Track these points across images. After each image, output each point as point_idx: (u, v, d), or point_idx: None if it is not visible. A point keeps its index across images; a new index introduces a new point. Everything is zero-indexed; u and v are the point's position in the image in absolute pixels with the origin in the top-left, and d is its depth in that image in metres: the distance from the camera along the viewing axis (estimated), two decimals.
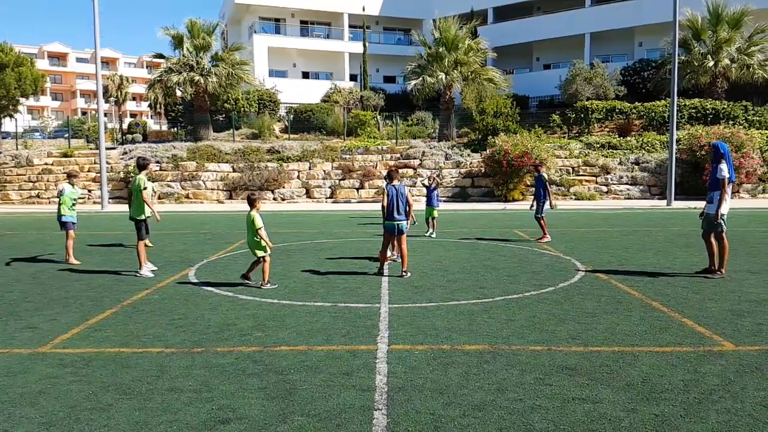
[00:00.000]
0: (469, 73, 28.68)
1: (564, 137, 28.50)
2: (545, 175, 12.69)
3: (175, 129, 34.18)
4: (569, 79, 32.36)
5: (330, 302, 7.04)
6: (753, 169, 23.36)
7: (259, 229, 7.95)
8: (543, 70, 41.55)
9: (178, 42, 28.78)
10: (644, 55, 35.92)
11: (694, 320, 6.00)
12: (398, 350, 5.22)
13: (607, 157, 25.87)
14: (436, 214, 13.64)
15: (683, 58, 28.24)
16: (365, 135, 29.81)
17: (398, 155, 26.87)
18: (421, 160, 26.55)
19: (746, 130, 25.15)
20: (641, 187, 25.09)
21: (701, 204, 21.99)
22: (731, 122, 26.49)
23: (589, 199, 24.48)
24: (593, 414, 3.84)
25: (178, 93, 30.03)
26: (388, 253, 9.37)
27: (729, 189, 8.13)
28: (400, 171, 26.15)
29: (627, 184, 25.28)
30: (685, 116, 27.24)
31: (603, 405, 3.98)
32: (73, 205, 10.37)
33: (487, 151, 25.03)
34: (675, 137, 22.54)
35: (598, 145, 26.56)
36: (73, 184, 10.62)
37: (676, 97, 22.57)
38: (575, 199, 24.76)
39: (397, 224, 8.57)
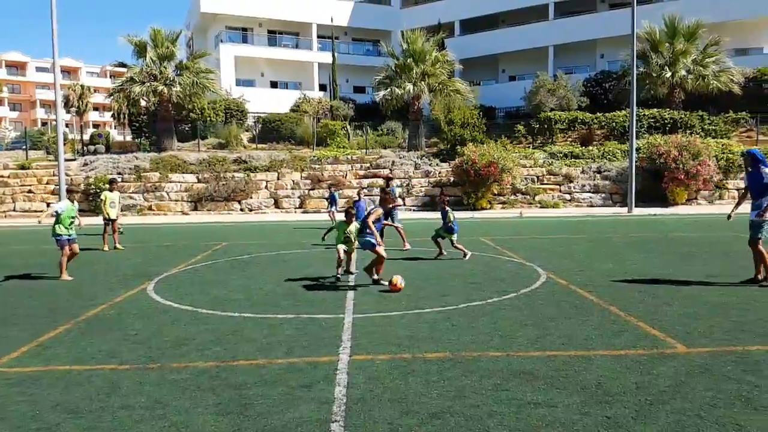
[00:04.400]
0: (437, 85, 29.02)
1: (529, 147, 29.00)
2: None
3: (139, 139, 33.56)
4: (533, 90, 33.00)
5: (293, 314, 6.96)
6: (709, 176, 24.12)
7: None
8: (509, 82, 42.27)
9: (141, 50, 28.35)
10: (606, 67, 36.87)
11: (650, 324, 6.13)
12: (360, 361, 5.18)
13: (570, 166, 26.39)
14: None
15: (642, 69, 29.09)
16: (335, 145, 29.80)
17: (368, 165, 26.91)
18: (390, 169, 26.64)
19: (702, 138, 26.00)
20: (603, 195, 25.66)
21: (661, 210, 22.69)
22: (688, 131, 27.33)
23: (553, 207, 24.91)
24: (548, 418, 3.88)
25: (143, 103, 29.54)
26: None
27: None
28: (370, 181, 26.22)
29: (589, 192, 25.81)
30: (644, 126, 28.01)
31: (558, 409, 4.02)
32: (71, 222, 9.84)
33: (456, 160, 25.29)
34: (635, 146, 23.16)
35: (561, 155, 27.09)
36: (72, 200, 10.36)
37: (635, 108, 23.20)
38: (540, 207, 25.17)
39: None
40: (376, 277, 8.62)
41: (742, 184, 25.64)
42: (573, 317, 6.49)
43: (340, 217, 10.52)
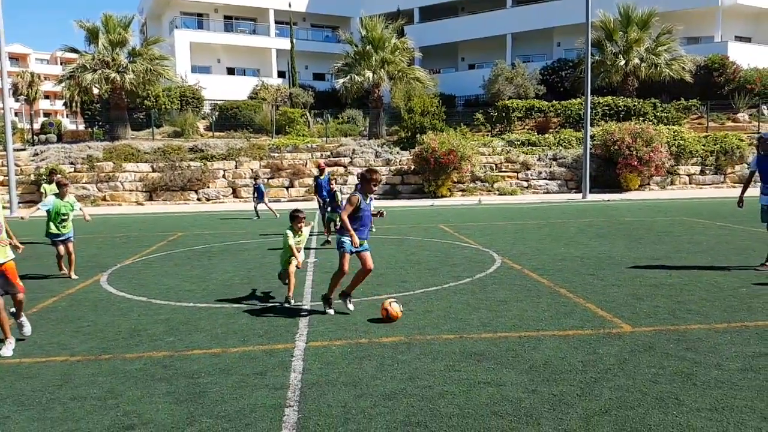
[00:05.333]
0: (397, 72, 29.00)
1: (488, 135, 29.34)
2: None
3: (92, 128, 32.48)
4: (492, 78, 33.33)
5: (249, 303, 6.94)
6: (662, 162, 24.91)
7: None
8: (468, 70, 42.54)
9: (93, 36, 27.36)
10: (562, 55, 37.47)
11: (597, 305, 6.36)
12: (316, 347, 5.22)
13: (527, 153, 26.85)
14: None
15: (597, 57, 29.72)
16: (294, 133, 29.50)
17: (329, 153, 26.78)
18: (351, 158, 26.58)
19: (655, 125, 26.79)
20: (559, 182, 26.24)
21: (615, 196, 23.32)
22: (641, 118, 28.13)
23: (511, 194, 25.33)
24: (496, 396, 4.01)
25: (95, 90, 28.55)
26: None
27: None
28: (331, 169, 26.11)
29: (546, 179, 26.35)
30: (599, 113, 28.69)
31: (506, 387, 4.16)
32: (63, 220, 8.75)
33: (416, 148, 25.40)
34: (589, 133, 23.71)
35: (519, 143, 27.53)
36: (62, 195, 8.77)
37: (590, 95, 23.73)
38: (498, 194, 25.56)
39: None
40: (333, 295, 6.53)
41: (692, 170, 26.80)
42: (525, 300, 6.68)
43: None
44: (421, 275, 8.34)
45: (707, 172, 26.51)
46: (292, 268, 6.89)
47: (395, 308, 5.91)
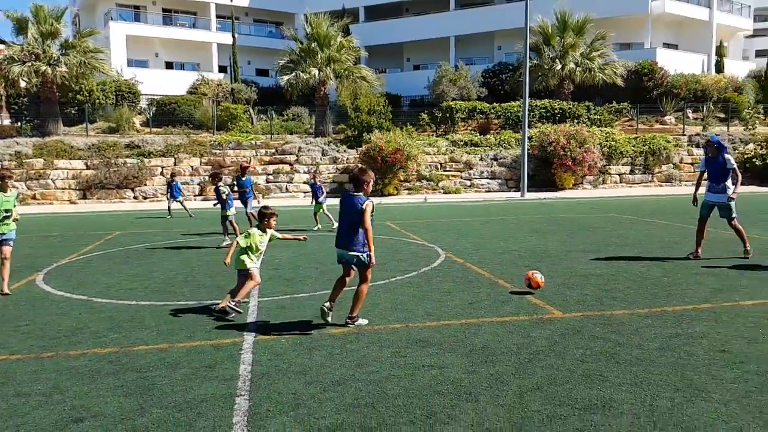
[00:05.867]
0: (343, 71, 29.05)
1: (433, 135, 29.89)
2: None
3: (20, 123, 30.87)
4: (436, 80, 33.94)
5: (195, 300, 6.93)
6: (594, 162, 26.12)
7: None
8: (413, 71, 43.10)
9: (21, 27, 26.01)
10: (503, 59, 38.59)
11: (532, 294, 6.75)
12: (265, 340, 5.32)
13: (470, 153, 27.56)
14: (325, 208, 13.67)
15: (535, 62, 30.81)
16: (237, 129, 29.05)
17: (273, 151, 26.56)
18: (297, 155, 26.47)
19: (588, 127, 28.06)
20: (500, 181, 27.08)
21: (551, 194, 24.27)
22: (576, 121, 29.38)
23: (455, 193, 25.94)
24: (439, 378, 4.27)
25: (22, 84, 27.15)
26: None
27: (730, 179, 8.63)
28: (277, 167, 25.95)
29: (487, 178, 27.13)
30: (536, 116, 29.75)
31: (448, 369, 4.43)
32: (5, 217, 7.53)
33: (363, 147, 25.58)
34: (527, 135, 24.59)
35: (462, 143, 28.20)
36: (3, 189, 7.54)
37: (528, 98, 24.61)
38: (443, 192, 26.12)
39: (339, 252, 5.60)
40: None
41: (623, 170, 28.25)
42: (466, 291, 6.99)
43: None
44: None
45: (636, 171, 27.98)
46: (255, 272, 6.27)
47: (538, 278, 6.75)
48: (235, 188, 12.83)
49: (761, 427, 3.43)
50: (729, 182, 8.65)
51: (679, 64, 35.66)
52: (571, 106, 30.33)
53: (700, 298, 6.47)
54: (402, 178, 25.72)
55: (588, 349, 4.86)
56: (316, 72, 28.18)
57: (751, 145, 28.42)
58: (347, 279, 5.73)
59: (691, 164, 28.32)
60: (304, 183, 25.70)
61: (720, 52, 39.67)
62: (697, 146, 28.55)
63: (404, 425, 3.56)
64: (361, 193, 5.43)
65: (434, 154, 27.32)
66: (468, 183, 26.94)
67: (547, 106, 30.28)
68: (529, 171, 24.94)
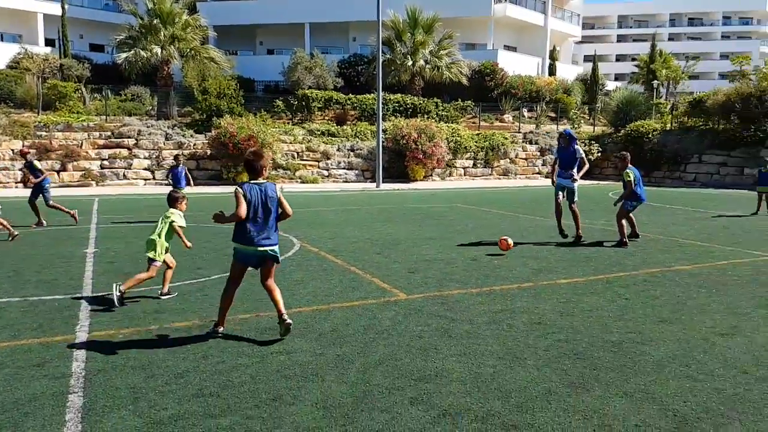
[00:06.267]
0: (189, 50, 27.59)
1: (289, 123, 29.61)
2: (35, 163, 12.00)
3: None
4: (292, 66, 33.60)
5: (19, 297, 6.28)
6: (442, 156, 27.76)
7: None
8: (267, 55, 42.20)
9: None
10: (358, 50, 39.27)
11: (381, 279, 7.12)
12: (100, 336, 5.02)
13: (327, 143, 27.78)
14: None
15: (388, 56, 31.83)
16: (67, 110, 26.24)
17: (109, 134, 24.46)
18: (137, 139, 24.65)
19: (437, 123, 29.70)
20: (356, 172, 27.68)
21: (404, 186, 25.35)
22: (426, 116, 30.93)
23: (312, 183, 26.03)
24: (287, 362, 4.38)
25: None
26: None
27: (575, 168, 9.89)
28: (113, 151, 23.98)
29: (344, 168, 27.60)
30: (390, 109, 30.81)
31: (296, 354, 4.55)
32: None
33: (213, 132, 24.57)
34: (381, 127, 25.43)
35: (319, 132, 28.32)
36: None
37: (381, 92, 25.41)
38: (301, 182, 26.06)
39: (261, 250, 4.87)
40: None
41: (467, 163, 30.37)
42: (319, 279, 7.16)
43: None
44: (218, 261, 8.33)
45: (478, 165, 30.24)
46: (170, 258, 6.35)
47: (511, 242, 8.72)
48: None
49: (565, 386, 4.02)
50: (575, 170, 10.00)
51: (517, 65, 39.03)
52: (421, 102, 31.82)
53: (524, 277, 7.29)
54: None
55: (426, 326, 5.27)
56: (159, 50, 26.45)
57: None
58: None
59: (526, 159, 31.27)
60: (145, 169, 24.15)
61: (553, 56, 44.13)
62: (531, 143, 31.59)
63: (249, 409, 3.62)
64: (264, 180, 4.90)
65: (291, 143, 27.11)
66: (325, 173, 27.16)
67: (400, 101, 31.46)
68: (384, 163, 25.82)
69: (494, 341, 4.90)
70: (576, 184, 10.00)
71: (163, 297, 6.27)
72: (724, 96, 27.03)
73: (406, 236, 10.63)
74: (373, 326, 5.25)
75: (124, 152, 24.05)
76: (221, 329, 4.99)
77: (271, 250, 4.88)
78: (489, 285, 6.86)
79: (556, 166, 10.29)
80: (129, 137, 24.57)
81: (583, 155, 10.01)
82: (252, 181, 4.85)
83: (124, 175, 23.82)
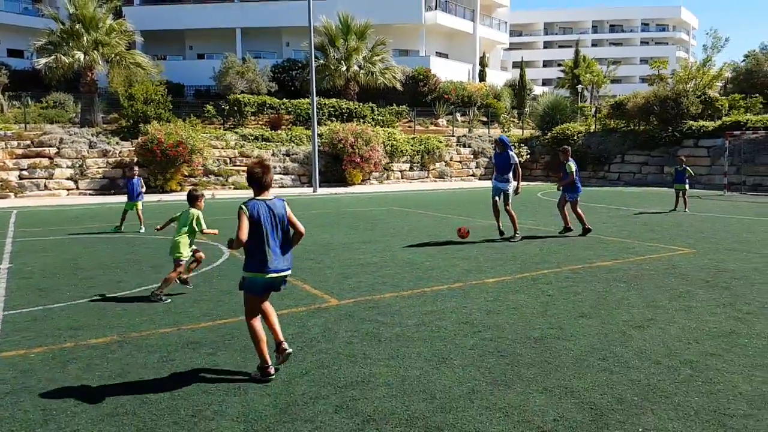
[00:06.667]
0: (114, 56, 26.52)
1: (221, 128, 28.94)
2: None
3: None
4: (223, 71, 32.89)
5: None
6: (379, 160, 27.90)
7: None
8: (197, 60, 41.12)
9: None
10: (292, 55, 38.92)
11: (312, 285, 7.04)
12: (10, 357, 4.70)
13: (261, 149, 27.33)
14: (139, 205, 12.64)
15: (322, 61, 31.72)
16: None
17: (29, 143, 23.11)
18: (58, 148, 23.41)
19: (373, 127, 29.84)
20: (293, 177, 27.38)
21: (341, 190, 25.28)
22: (362, 120, 31.01)
23: (246, 189, 25.51)
24: (208, 377, 4.24)
25: None
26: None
27: (510, 172, 10.38)
28: (32, 161, 22.67)
29: (280, 173, 27.23)
30: (326, 114, 30.70)
31: (219, 367, 4.43)
32: None
33: (139, 139, 23.67)
34: (317, 132, 25.27)
35: (252, 137, 27.83)
36: None
37: (316, 97, 25.26)
38: (234, 188, 25.51)
39: (276, 277, 4.33)
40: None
41: (403, 167, 30.62)
42: None
43: None
44: (140, 273, 8.01)
45: (415, 168, 30.58)
46: (199, 253, 6.98)
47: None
48: None
49: (488, 384, 4.09)
50: (511, 174, 10.43)
51: (449, 71, 39.82)
52: (357, 107, 31.89)
53: (454, 278, 7.41)
54: (186, 173, 24.49)
55: (356, 331, 5.24)
56: (81, 56, 25.30)
57: None
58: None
59: (460, 162, 31.89)
60: (68, 179, 23.02)
61: (483, 63, 45.28)
62: (465, 146, 32.26)
63: (167, 427, 3.47)
64: (272, 197, 4.30)
65: (223, 149, 26.50)
66: None
67: (335, 105, 31.40)
68: (321, 167, 25.66)
69: (422, 343, 4.93)
70: (511, 188, 10.45)
71: (156, 298, 6.43)
72: (643, 99, 28.55)
73: (341, 241, 10.57)
74: (302, 334, 5.17)
75: (45, 161, 22.82)
76: (271, 368, 4.18)
77: (285, 276, 4.35)
78: (421, 287, 6.92)
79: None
80: (50, 146, 23.32)
81: (517, 161, 10.46)
82: (257, 198, 4.24)
83: (45, 185, 22.60)
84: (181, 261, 6.64)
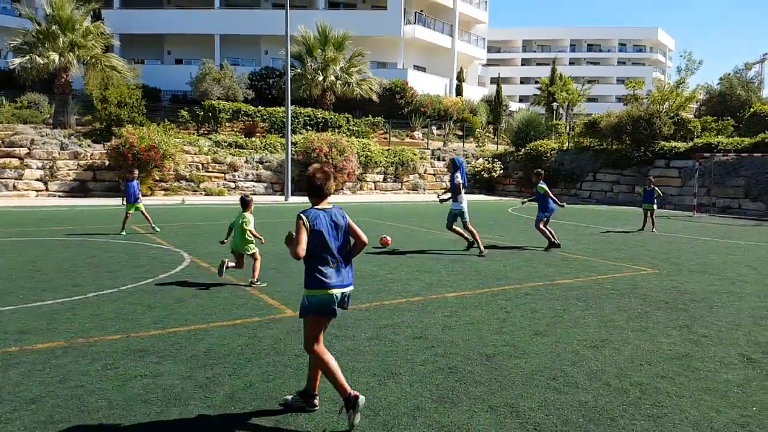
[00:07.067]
0: (90, 58, 26.19)
1: (195, 134, 28.67)
2: None
3: None
4: (200, 77, 32.68)
5: None
6: (353, 170, 27.91)
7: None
8: (175, 65, 40.80)
9: None
10: (269, 63, 38.84)
11: (270, 295, 6.97)
12: None
13: (234, 155, 27.13)
14: (141, 206, 12.82)
15: (299, 71, 31.72)
16: None
17: None
18: (29, 149, 22.94)
19: (348, 137, 29.87)
20: (265, 184, 27.21)
21: None
22: (337, 130, 31.03)
23: (218, 195, 25.28)
24: (150, 386, 4.15)
25: None
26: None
27: (463, 190, 10.58)
28: (3, 161, 22.16)
29: (253, 181, 27.05)
30: (301, 123, 30.64)
31: (162, 377, 4.32)
32: None
33: (112, 142, 23.33)
34: (291, 140, 25.19)
35: (226, 144, 27.62)
36: None
37: (291, 106, 25.21)
38: (206, 194, 25.24)
39: (340, 294, 3.84)
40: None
41: (377, 178, 30.69)
42: (202, 296, 6.89)
43: None
44: (97, 278, 7.84)
45: (389, 179, 30.67)
46: (256, 252, 7.77)
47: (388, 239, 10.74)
48: None
49: (434, 401, 4.06)
50: (462, 194, 10.57)
51: (426, 85, 40.14)
52: (332, 117, 31.91)
53: (414, 292, 7.41)
54: (157, 178, 24.19)
55: None
56: (57, 57, 24.97)
57: (480, 160, 33.34)
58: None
59: (434, 175, 32.08)
60: (38, 180, 22.56)
61: (460, 77, 45.77)
62: (439, 159, 32.47)
63: None
64: (330, 206, 3.87)
65: (195, 154, 26.24)
66: (232, 185, 26.48)
67: (311, 115, 31.37)
68: (294, 176, 25.56)
69: (373, 357, 4.90)
70: (464, 206, 10.60)
71: (254, 284, 7.45)
72: (616, 118, 29.08)
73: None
74: (251, 345, 5.10)
75: (15, 162, 22.38)
76: (358, 396, 3.69)
77: (348, 293, 3.88)
78: (380, 300, 6.90)
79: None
80: (21, 146, 22.88)
81: (457, 181, 10.59)
82: (316, 206, 3.81)
83: (14, 186, 22.17)
84: (253, 250, 7.70)
